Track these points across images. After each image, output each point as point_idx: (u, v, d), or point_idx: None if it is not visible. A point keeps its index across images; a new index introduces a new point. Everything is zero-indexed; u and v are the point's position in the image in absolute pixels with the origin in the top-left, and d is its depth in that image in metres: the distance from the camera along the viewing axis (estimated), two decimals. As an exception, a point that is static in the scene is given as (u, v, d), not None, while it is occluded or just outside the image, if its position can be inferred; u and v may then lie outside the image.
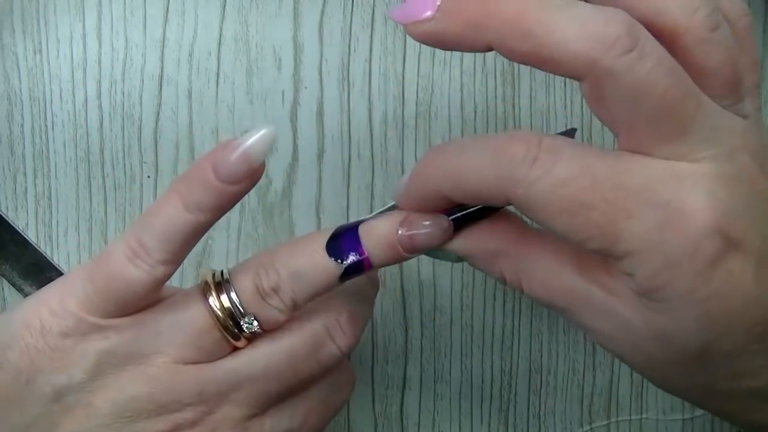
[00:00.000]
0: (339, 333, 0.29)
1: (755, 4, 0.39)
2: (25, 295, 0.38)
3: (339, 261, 0.27)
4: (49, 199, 0.38)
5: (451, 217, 0.27)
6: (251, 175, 0.26)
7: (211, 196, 0.26)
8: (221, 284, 0.28)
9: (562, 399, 0.41)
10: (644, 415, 0.42)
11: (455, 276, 0.40)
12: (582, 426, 0.42)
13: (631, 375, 0.41)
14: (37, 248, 0.38)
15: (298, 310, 0.28)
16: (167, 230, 0.26)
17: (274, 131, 0.27)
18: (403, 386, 0.41)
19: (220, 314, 0.27)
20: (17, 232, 0.38)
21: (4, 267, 0.38)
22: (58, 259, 0.38)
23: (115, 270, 0.26)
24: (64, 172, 0.38)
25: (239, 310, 0.27)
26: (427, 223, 0.27)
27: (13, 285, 0.38)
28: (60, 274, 0.38)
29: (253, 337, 0.28)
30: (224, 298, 0.27)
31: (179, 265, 0.27)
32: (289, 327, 0.28)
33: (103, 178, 0.38)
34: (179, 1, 0.37)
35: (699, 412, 0.42)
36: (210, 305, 0.27)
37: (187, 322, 0.27)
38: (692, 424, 0.42)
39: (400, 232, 0.27)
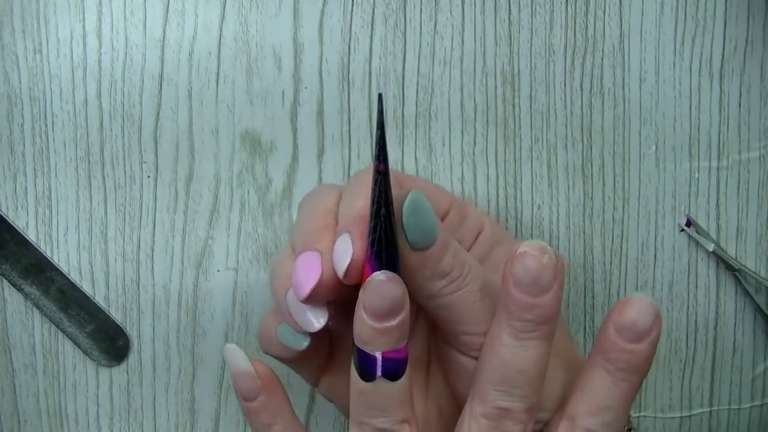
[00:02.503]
0: None
1: (755, 4, 0.39)
2: (25, 295, 0.38)
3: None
4: (49, 199, 0.38)
5: None
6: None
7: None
8: None
9: (562, 399, 0.41)
10: (642, 413, 0.42)
11: (455, 276, 0.40)
12: (581, 425, 0.42)
13: (631, 374, 0.41)
14: (37, 248, 0.38)
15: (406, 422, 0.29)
16: None
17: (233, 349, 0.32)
18: (403, 386, 0.41)
19: None
20: (17, 232, 0.38)
21: (4, 267, 0.38)
22: (58, 259, 0.38)
23: None
24: (64, 172, 0.38)
25: None
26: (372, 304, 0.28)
27: (13, 285, 0.38)
28: (60, 274, 0.38)
29: None
30: None
31: None
32: None
33: (103, 178, 0.38)
34: (179, 1, 0.37)
35: (696, 410, 0.42)
36: None
37: None
38: (690, 422, 0.42)
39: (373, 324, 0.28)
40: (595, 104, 0.39)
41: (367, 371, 0.28)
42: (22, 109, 0.37)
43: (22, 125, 0.37)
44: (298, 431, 0.32)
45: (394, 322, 0.27)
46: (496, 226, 0.36)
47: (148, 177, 0.38)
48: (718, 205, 0.40)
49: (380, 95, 0.28)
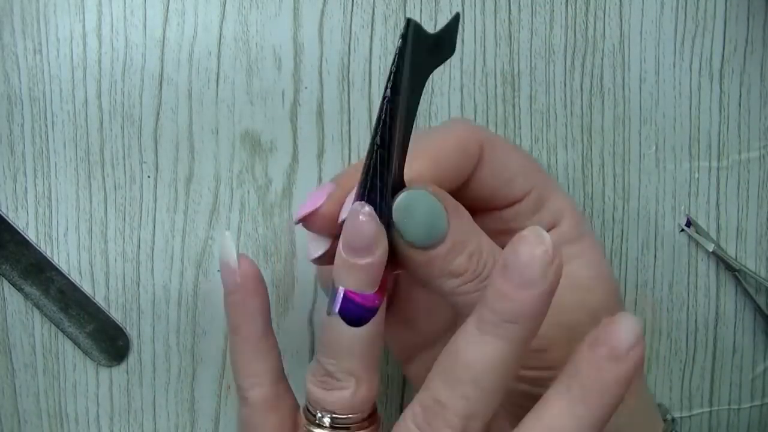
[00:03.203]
0: None
1: (755, 4, 0.39)
2: (25, 295, 0.38)
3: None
4: (49, 199, 0.38)
5: None
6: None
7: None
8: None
9: (562, 399, 0.41)
10: (643, 414, 0.42)
11: (455, 276, 0.40)
12: (581, 425, 0.42)
13: (631, 374, 0.41)
14: (37, 248, 0.38)
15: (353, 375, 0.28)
16: None
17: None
18: (403, 386, 0.41)
19: None
20: (17, 232, 0.38)
21: (4, 267, 0.38)
22: (58, 259, 0.38)
23: None
24: (64, 172, 0.38)
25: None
26: (350, 229, 0.27)
27: (13, 285, 0.38)
28: (60, 274, 0.38)
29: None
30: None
31: None
32: None
33: (103, 178, 0.38)
34: (179, 1, 0.37)
35: (696, 410, 0.42)
36: None
37: None
38: (690, 422, 0.42)
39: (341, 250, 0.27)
40: (595, 104, 0.39)
41: (329, 303, 0.27)
42: (22, 109, 0.37)
43: (22, 125, 0.37)
44: (263, 341, 0.31)
45: (360, 261, 0.26)
46: (578, 222, 0.32)
47: (148, 177, 0.38)
48: (718, 205, 0.40)
49: (408, 19, 0.24)
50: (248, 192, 0.39)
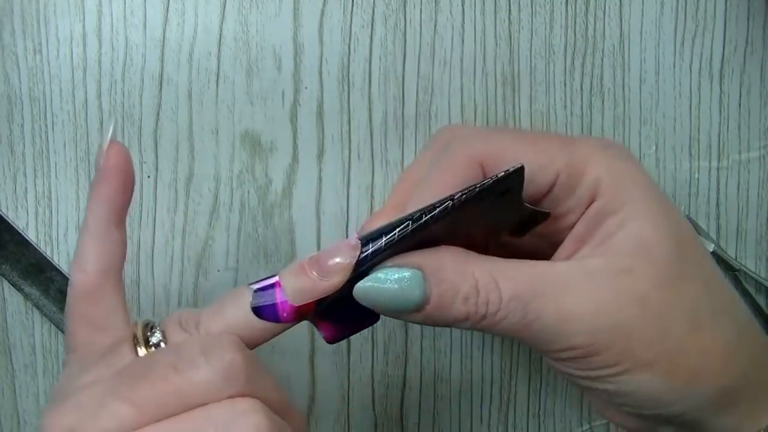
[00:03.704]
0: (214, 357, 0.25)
1: (755, 4, 0.39)
2: (25, 295, 0.38)
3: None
4: (49, 199, 0.38)
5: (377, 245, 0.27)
6: None
7: None
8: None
9: (562, 399, 0.41)
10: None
11: (455, 276, 0.40)
12: (582, 425, 0.42)
13: (631, 375, 0.41)
14: (37, 248, 0.38)
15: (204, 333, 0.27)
16: None
17: None
18: (403, 386, 0.41)
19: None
20: (17, 232, 0.38)
21: (4, 267, 0.38)
22: (58, 259, 0.38)
23: None
24: (64, 172, 0.38)
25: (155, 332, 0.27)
26: (334, 246, 0.27)
27: (13, 285, 0.38)
28: (60, 274, 0.38)
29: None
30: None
31: None
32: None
33: (103, 178, 0.38)
34: (179, 1, 0.37)
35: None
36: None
37: None
38: None
39: (308, 258, 0.27)
40: (595, 104, 0.39)
41: (258, 279, 0.27)
42: (22, 109, 0.37)
43: (22, 125, 0.37)
44: (106, 232, 0.28)
45: (311, 274, 0.27)
46: (617, 190, 0.29)
47: (148, 177, 0.38)
48: (718, 205, 0.40)
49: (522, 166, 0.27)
50: (248, 192, 0.39)
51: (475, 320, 0.28)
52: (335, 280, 0.27)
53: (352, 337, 0.40)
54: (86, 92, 0.37)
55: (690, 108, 0.40)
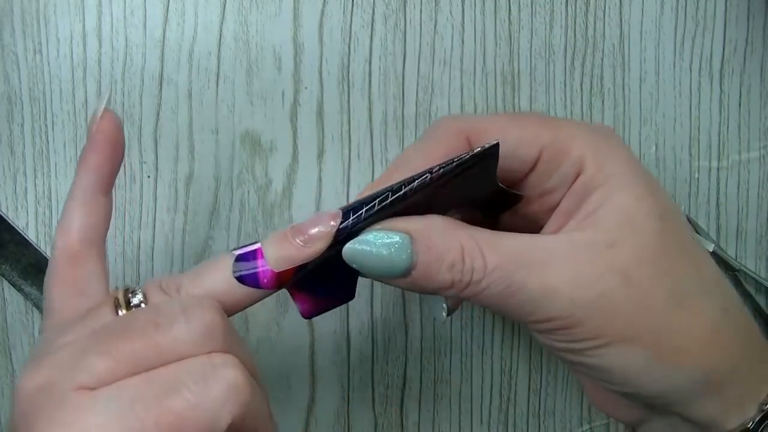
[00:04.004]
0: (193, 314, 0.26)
1: (755, 4, 0.39)
2: (25, 295, 0.38)
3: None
4: (49, 199, 0.38)
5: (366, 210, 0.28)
6: None
7: None
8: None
9: (562, 399, 0.41)
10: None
11: (455, 276, 0.40)
12: (582, 425, 0.42)
13: (631, 375, 0.41)
14: (37, 248, 0.38)
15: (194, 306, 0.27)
16: None
17: None
18: (403, 386, 0.41)
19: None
20: (17, 232, 0.38)
21: (4, 267, 0.38)
22: (58, 259, 0.38)
23: None
24: (64, 172, 0.38)
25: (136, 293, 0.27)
26: (315, 216, 0.28)
27: (13, 285, 0.38)
28: (60, 274, 0.38)
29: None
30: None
31: None
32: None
33: (103, 178, 0.38)
34: (179, 1, 0.37)
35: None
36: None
37: None
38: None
39: (290, 227, 0.28)
40: (595, 104, 0.39)
41: (243, 245, 0.28)
42: (22, 109, 0.37)
43: (22, 125, 0.37)
44: (91, 199, 0.28)
45: (293, 241, 0.27)
46: (601, 164, 0.30)
47: (148, 177, 0.38)
48: (718, 205, 0.40)
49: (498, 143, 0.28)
50: (248, 192, 0.39)
51: (459, 288, 0.28)
52: (316, 247, 0.27)
53: (352, 337, 0.40)
54: (86, 92, 0.37)
55: (690, 108, 0.40)
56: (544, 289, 0.28)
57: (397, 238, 0.28)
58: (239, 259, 0.28)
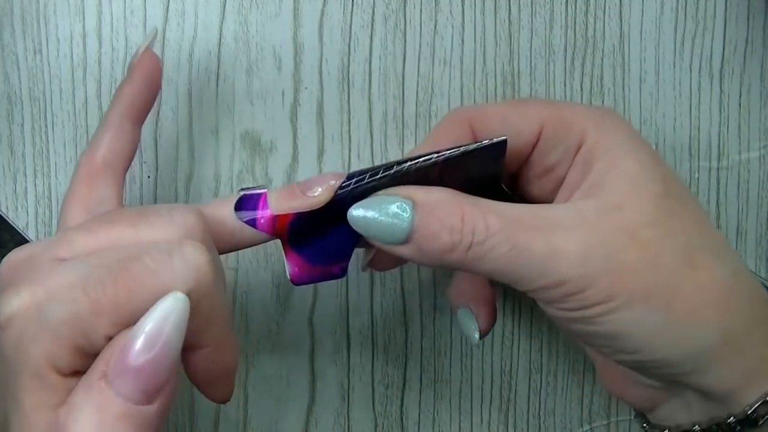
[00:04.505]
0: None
1: (755, 4, 0.39)
2: (25, 295, 0.38)
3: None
4: (49, 199, 0.38)
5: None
6: None
7: None
8: None
9: (562, 399, 0.41)
10: (644, 415, 0.42)
11: (455, 276, 0.40)
12: (582, 426, 0.42)
13: (631, 375, 0.41)
14: (37, 248, 0.38)
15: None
16: None
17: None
18: (403, 386, 0.41)
19: None
20: (17, 232, 0.38)
21: (4, 267, 0.38)
22: (58, 259, 0.38)
23: None
24: (64, 172, 0.38)
25: None
26: (321, 174, 0.30)
27: (13, 285, 0.38)
28: (60, 274, 0.38)
29: None
30: None
31: None
32: None
33: (103, 178, 0.38)
34: (179, 2, 0.37)
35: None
36: None
37: None
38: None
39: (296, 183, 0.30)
40: (595, 104, 0.39)
41: (248, 187, 0.30)
42: (22, 109, 0.37)
43: (22, 125, 0.37)
44: (120, 125, 0.30)
45: (298, 192, 0.29)
46: (602, 135, 0.30)
47: (148, 177, 0.38)
48: (718, 205, 0.40)
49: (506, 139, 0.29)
50: (248, 192, 0.39)
51: (461, 251, 0.28)
52: (317, 198, 0.29)
53: (352, 337, 0.40)
54: (86, 92, 0.37)
55: (690, 108, 0.40)
56: (550, 251, 0.27)
57: (399, 202, 0.28)
58: (243, 198, 0.29)
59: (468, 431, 0.41)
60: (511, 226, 0.28)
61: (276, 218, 0.29)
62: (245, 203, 0.29)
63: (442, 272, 0.40)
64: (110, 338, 0.24)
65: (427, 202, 0.28)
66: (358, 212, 0.29)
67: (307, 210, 0.29)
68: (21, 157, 0.38)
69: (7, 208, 0.38)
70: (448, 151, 0.29)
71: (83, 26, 0.37)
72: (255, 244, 0.30)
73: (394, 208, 0.28)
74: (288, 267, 0.30)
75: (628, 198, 0.28)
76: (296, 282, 0.31)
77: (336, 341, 0.40)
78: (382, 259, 0.33)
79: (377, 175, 0.29)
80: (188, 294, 0.24)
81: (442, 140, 0.32)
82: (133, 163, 0.38)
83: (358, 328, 0.40)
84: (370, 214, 0.29)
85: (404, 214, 0.28)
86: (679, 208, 0.29)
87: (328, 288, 0.39)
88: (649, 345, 0.28)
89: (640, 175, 0.29)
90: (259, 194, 0.29)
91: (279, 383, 0.40)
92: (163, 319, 0.24)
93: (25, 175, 0.38)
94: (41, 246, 0.26)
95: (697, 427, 0.30)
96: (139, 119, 0.31)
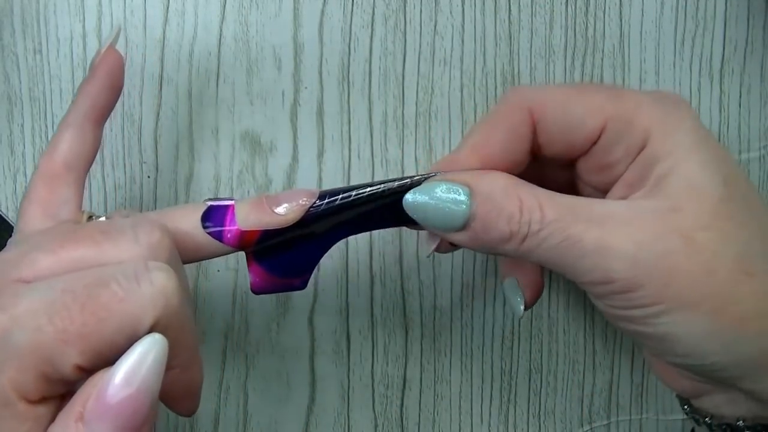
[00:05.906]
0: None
1: (755, 4, 0.39)
2: (25, 295, 0.38)
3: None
4: (49, 199, 0.38)
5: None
6: None
7: None
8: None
9: (562, 399, 0.41)
10: (644, 415, 0.42)
11: (455, 276, 0.40)
12: (582, 426, 0.42)
13: (631, 375, 0.41)
14: (37, 248, 0.38)
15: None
16: None
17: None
18: (403, 386, 0.41)
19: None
20: (17, 232, 0.38)
21: (4, 267, 0.38)
22: (58, 259, 0.38)
23: None
24: (64, 172, 0.38)
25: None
26: (294, 190, 0.30)
27: (13, 285, 0.38)
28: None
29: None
30: None
31: None
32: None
33: (103, 178, 0.38)
34: (179, 1, 0.37)
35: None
36: None
37: None
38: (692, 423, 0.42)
39: (266, 196, 0.30)
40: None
41: (219, 198, 0.30)
42: (22, 109, 0.37)
43: (22, 125, 0.37)
44: (85, 125, 0.30)
45: (268, 207, 0.29)
46: (666, 136, 0.29)
47: (148, 177, 0.38)
48: (718, 205, 0.40)
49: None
50: (248, 192, 0.39)
51: (518, 240, 0.28)
52: (286, 217, 0.29)
53: (352, 337, 0.40)
54: (86, 92, 0.37)
55: (690, 108, 0.40)
56: (601, 246, 0.27)
57: (458, 189, 0.28)
58: (211, 209, 0.29)
59: (468, 431, 0.41)
60: (566, 216, 0.28)
61: (243, 233, 0.29)
62: (212, 215, 0.29)
63: (442, 272, 0.40)
64: (80, 367, 0.24)
65: (485, 189, 0.28)
66: (414, 198, 0.29)
67: (275, 228, 0.29)
68: (21, 157, 0.38)
69: (7, 208, 0.38)
70: (421, 176, 0.29)
71: (83, 26, 0.37)
72: (219, 256, 0.29)
73: (452, 194, 0.28)
74: (250, 277, 0.30)
75: (685, 201, 0.28)
76: (257, 292, 0.31)
77: (336, 341, 0.40)
78: (443, 242, 0.32)
79: (350, 197, 0.29)
80: (156, 320, 0.24)
81: (500, 125, 0.31)
82: (133, 163, 0.38)
83: (358, 328, 0.40)
84: (427, 200, 0.28)
85: (462, 200, 0.28)
86: (740, 212, 0.28)
87: (328, 288, 0.39)
88: (698, 350, 0.28)
89: (700, 177, 0.28)
90: (227, 206, 0.29)
91: (279, 383, 0.40)
92: (140, 360, 0.23)
93: (25, 175, 0.38)
94: (2, 265, 0.25)
95: (741, 422, 0.30)
96: (101, 119, 0.30)
